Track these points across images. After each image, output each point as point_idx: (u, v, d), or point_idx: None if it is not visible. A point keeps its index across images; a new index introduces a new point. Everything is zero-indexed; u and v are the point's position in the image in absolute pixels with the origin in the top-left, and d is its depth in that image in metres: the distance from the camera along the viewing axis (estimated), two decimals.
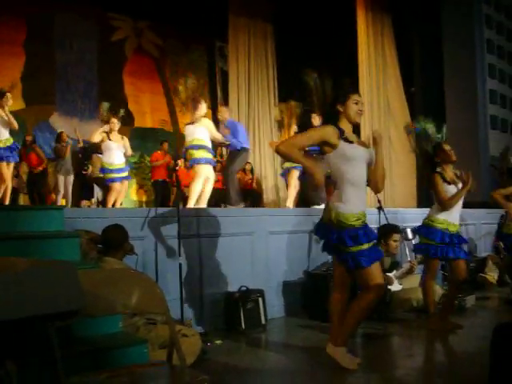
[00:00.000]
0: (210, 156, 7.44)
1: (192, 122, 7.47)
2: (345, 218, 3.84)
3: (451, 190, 5.18)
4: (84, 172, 10.56)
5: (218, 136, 7.65)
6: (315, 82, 13.78)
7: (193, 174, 7.48)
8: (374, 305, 3.98)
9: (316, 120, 8.53)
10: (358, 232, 3.85)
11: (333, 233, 3.89)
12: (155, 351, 3.54)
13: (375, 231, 4.20)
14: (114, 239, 4.13)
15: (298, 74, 13.83)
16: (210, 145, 7.46)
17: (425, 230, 5.34)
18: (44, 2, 12.53)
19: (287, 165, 8.51)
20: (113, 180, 8.26)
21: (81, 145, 10.65)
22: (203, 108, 7.57)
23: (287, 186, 8.82)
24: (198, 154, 7.26)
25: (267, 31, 12.89)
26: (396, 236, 6.21)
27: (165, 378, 2.48)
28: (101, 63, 13.64)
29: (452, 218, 5.23)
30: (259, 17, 12.71)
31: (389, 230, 6.20)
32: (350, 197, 3.89)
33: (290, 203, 8.11)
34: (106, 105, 8.31)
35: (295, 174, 8.19)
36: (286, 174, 8.72)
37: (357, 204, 3.92)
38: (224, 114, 8.29)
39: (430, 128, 11.69)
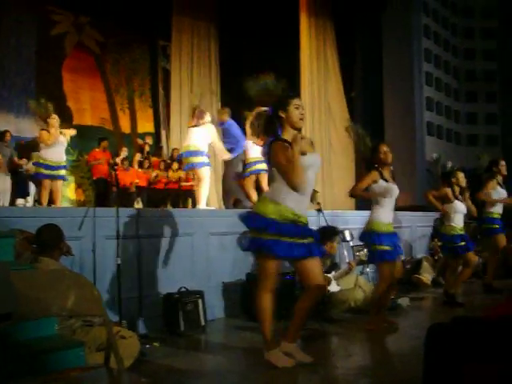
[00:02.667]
0: (206, 159, 7.67)
1: (195, 125, 7.65)
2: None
3: (387, 186, 5.31)
4: (20, 170, 10.25)
5: (220, 147, 7.82)
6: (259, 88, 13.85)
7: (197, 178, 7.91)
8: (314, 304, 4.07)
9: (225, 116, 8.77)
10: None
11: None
12: (92, 354, 3.47)
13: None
14: (49, 239, 4.02)
15: (240, 76, 13.83)
16: (205, 150, 7.64)
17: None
18: None
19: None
20: (46, 176, 8.08)
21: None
22: (207, 117, 7.80)
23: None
24: (196, 159, 7.51)
25: (211, 32, 12.87)
26: (335, 238, 6.32)
27: (102, 381, 2.44)
28: (39, 58, 13.25)
29: (387, 219, 5.36)
30: (203, 17, 12.68)
31: (328, 232, 6.31)
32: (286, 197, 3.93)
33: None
34: (33, 103, 8.13)
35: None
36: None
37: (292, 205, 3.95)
38: (223, 115, 8.49)
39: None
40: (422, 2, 15.60)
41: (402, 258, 5.55)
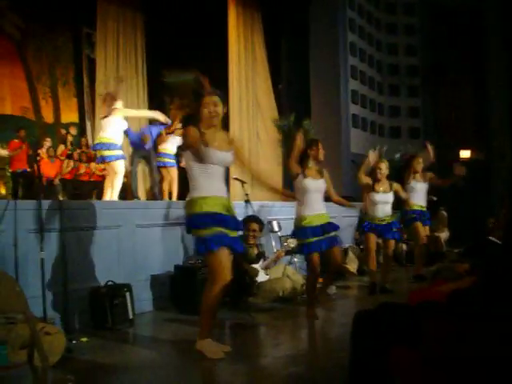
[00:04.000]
0: (120, 152, 7.50)
1: (106, 116, 7.45)
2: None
3: (308, 183, 5.44)
4: None
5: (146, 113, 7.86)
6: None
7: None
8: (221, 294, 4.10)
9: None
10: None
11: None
12: (15, 352, 3.34)
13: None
14: None
15: (166, 65, 13.75)
16: (119, 142, 7.47)
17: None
18: None
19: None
20: None
21: None
22: (118, 103, 7.54)
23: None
24: (108, 152, 7.33)
25: (137, 19, 12.63)
26: (254, 225, 6.40)
27: (26, 379, 2.36)
28: None
29: (314, 211, 5.48)
30: (129, 4, 12.42)
31: (248, 220, 6.41)
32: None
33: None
34: None
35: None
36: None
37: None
38: None
39: (306, 125, 12.03)
40: None
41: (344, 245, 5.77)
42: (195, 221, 4.03)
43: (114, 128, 7.38)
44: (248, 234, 6.39)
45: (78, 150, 12.15)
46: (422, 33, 18.48)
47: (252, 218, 6.56)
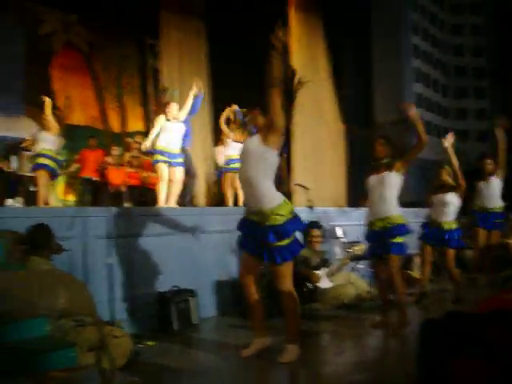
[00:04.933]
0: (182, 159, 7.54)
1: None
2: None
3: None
4: (8, 170, 10.17)
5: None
6: None
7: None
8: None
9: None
10: None
11: None
12: (84, 354, 3.43)
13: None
14: (39, 239, 4.00)
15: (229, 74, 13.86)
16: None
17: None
18: None
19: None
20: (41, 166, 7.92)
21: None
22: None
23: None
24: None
25: (200, 29, 12.80)
26: (315, 231, 6.35)
27: (94, 381, 2.42)
28: (28, 57, 13.16)
29: None
30: (192, 14, 12.60)
31: (309, 226, 6.36)
32: None
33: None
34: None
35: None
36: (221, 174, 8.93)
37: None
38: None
39: None
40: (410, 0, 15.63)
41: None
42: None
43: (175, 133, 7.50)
44: (310, 240, 6.33)
45: (146, 158, 12.40)
46: (488, 33, 17.95)
47: (313, 225, 6.50)
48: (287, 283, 4.21)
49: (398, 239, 5.22)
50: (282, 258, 4.12)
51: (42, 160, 7.93)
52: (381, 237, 5.25)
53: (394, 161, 5.32)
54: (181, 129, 7.53)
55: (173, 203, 7.26)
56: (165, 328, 5.23)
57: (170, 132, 7.39)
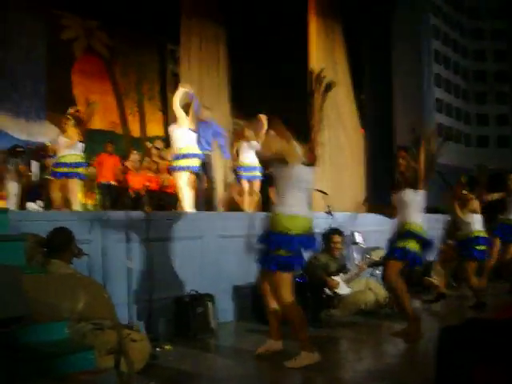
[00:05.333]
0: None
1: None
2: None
3: None
4: (30, 174, 10.29)
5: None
6: None
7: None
8: None
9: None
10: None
11: None
12: (103, 357, 3.45)
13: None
14: (60, 242, 4.04)
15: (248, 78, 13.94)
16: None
17: None
18: None
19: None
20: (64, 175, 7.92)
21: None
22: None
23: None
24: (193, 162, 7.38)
25: (219, 34, 12.85)
26: (336, 238, 6.33)
27: None
28: (49, 62, 13.31)
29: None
30: (211, 20, 12.66)
31: (330, 232, 6.35)
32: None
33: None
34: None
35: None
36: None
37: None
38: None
39: None
40: (431, 3, 15.52)
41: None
42: None
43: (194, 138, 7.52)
44: (331, 246, 6.32)
45: (165, 162, 12.46)
46: (510, 38, 17.78)
47: (334, 231, 6.49)
48: (284, 294, 4.24)
49: (402, 244, 5.14)
50: (276, 266, 4.19)
51: (64, 169, 7.87)
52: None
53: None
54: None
55: (190, 207, 7.26)
56: (183, 332, 5.25)
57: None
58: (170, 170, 7.58)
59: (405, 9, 14.11)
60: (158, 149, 12.58)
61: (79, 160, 7.92)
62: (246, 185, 8.77)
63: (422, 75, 14.43)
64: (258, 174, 8.65)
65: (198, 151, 7.41)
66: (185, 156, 7.25)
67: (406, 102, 14.07)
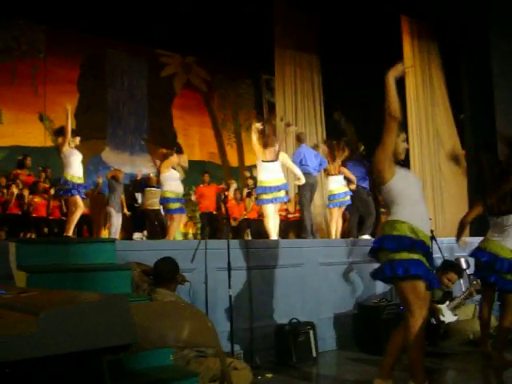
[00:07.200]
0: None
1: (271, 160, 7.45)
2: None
3: None
4: (136, 205, 10.74)
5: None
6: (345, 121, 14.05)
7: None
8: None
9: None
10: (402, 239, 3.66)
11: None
12: None
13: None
14: (166, 271, 4.16)
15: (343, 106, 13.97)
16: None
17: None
18: (95, 41, 12.98)
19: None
20: (173, 211, 8.08)
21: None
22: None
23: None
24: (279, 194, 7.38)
25: (313, 62, 12.95)
26: (453, 276, 6.08)
27: None
28: (151, 98, 13.98)
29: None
30: (305, 48, 12.80)
31: (448, 266, 6.10)
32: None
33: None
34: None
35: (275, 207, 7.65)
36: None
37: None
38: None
39: None
40: None
41: None
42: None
43: (280, 169, 7.49)
44: (443, 280, 6.06)
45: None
46: None
47: (453, 267, 6.23)
48: (410, 307, 3.70)
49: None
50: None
51: (171, 206, 8.07)
52: None
53: None
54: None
55: (275, 235, 7.31)
56: (284, 361, 5.23)
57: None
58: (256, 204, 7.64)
59: (501, 24, 13.58)
60: (251, 177, 12.78)
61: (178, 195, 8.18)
62: (335, 212, 8.74)
63: None
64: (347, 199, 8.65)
65: (281, 182, 7.38)
66: (267, 189, 7.31)
67: (508, 120, 13.43)
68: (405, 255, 3.61)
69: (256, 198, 11.75)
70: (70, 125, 7.28)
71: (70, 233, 7.25)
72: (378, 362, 4.55)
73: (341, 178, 8.76)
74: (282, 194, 7.39)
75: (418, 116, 12.91)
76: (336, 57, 13.00)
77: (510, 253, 5.00)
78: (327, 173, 8.94)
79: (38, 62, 12.54)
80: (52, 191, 9.78)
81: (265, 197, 7.29)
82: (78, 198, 7.16)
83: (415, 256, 3.63)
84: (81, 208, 7.22)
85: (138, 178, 11.91)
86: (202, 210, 11.51)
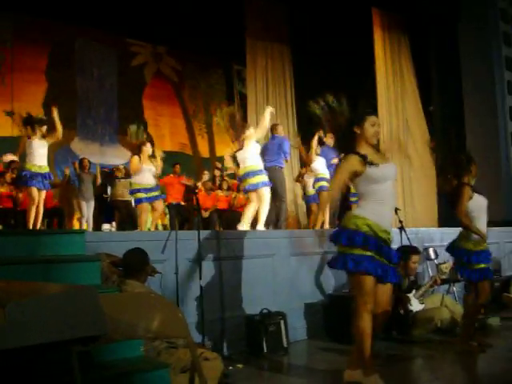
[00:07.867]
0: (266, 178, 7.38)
1: (240, 149, 7.40)
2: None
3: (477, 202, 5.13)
4: (105, 196, 10.64)
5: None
6: (323, 109, 14.03)
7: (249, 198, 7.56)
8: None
9: (329, 140, 8.86)
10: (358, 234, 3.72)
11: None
12: (177, 375, 3.50)
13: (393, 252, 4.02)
14: (136, 262, 4.13)
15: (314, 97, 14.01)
16: (262, 167, 7.41)
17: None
18: (64, 30, 12.77)
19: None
20: (141, 200, 8.10)
21: (99, 180, 10.58)
22: (248, 130, 7.50)
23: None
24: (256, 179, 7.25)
25: (284, 53, 12.97)
26: (415, 257, 6.16)
27: None
28: (121, 88, 13.83)
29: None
30: (276, 39, 12.80)
31: (408, 250, 6.17)
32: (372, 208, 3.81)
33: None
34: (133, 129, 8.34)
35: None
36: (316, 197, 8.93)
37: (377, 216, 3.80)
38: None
39: None
40: (499, 9, 15.03)
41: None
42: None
43: (253, 155, 7.34)
44: (408, 264, 6.13)
45: (234, 181, 12.60)
46: None
47: (413, 250, 6.31)
48: (356, 301, 3.84)
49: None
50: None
51: (139, 195, 8.02)
52: None
53: None
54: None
55: (262, 226, 7.23)
56: (254, 351, 5.24)
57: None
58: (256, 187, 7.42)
59: (473, 17, 13.76)
60: (220, 169, 12.75)
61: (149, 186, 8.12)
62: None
63: (493, 84, 13.98)
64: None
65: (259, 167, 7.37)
66: (261, 171, 7.29)
67: (476, 112, 13.66)
68: (357, 251, 3.72)
69: (229, 189, 11.80)
70: (60, 125, 7.27)
71: (30, 226, 7.11)
72: (349, 351, 4.61)
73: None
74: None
75: (388, 107, 13.03)
76: (307, 47, 13.03)
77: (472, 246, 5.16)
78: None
79: (6, 50, 12.30)
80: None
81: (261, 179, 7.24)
82: (34, 190, 7.02)
83: (367, 253, 3.71)
84: (34, 201, 7.05)
85: (107, 170, 11.78)
86: (169, 200, 11.39)
